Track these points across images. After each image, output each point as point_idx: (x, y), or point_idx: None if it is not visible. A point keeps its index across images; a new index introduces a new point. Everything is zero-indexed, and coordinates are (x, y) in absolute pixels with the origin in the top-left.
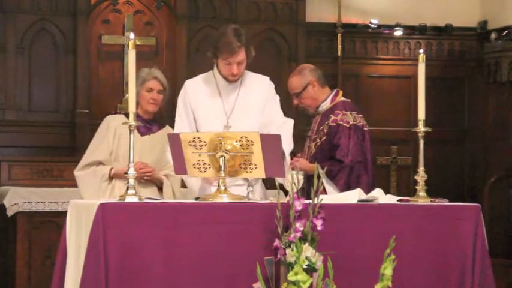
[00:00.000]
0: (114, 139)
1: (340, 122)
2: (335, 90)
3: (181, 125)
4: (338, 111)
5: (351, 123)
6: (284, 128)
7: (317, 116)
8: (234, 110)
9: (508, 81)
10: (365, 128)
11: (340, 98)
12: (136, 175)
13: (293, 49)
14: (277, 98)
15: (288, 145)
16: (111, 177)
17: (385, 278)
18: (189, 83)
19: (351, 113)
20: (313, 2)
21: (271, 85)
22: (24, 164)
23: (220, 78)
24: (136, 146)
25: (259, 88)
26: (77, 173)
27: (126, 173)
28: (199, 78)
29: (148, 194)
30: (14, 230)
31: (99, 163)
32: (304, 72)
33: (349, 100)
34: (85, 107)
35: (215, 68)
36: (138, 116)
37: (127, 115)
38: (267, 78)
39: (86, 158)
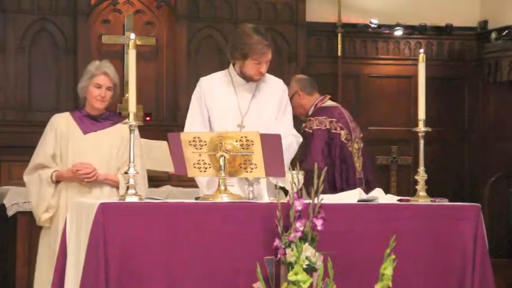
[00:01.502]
0: (57, 140)
1: (306, 129)
2: (322, 97)
3: (192, 125)
4: (308, 118)
5: (313, 128)
6: (288, 140)
7: None
8: (249, 109)
9: (508, 81)
10: (334, 131)
11: (325, 103)
12: (72, 176)
13: (293, 49)
14: (289, 108)
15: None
16: (56, 181)
17: (385, 278)
18: (204, 81)
19: (316, 118)
20: (313, 2)
21: (285, 90)
22: (24, 164)
23: (237, 77)
24: (76, 146)
25: (273, 90)
26: (25, 178)
27: (126, 172)
28: (214, 76)
29: (93, 197)
30: (14, 230)
31: (44, 166)
32: (291, 83)
33: (333, 105)
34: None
35: (231, 67)
36: (82, 112)
37: (72, 112)
38: (281, 81)
39: (32, 162)
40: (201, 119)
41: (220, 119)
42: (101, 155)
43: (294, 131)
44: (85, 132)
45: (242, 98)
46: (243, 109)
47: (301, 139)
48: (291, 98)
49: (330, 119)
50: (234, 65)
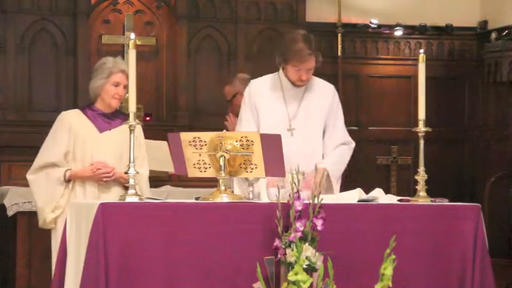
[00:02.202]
0: (70, 138)
1: None
2: None
3: (248, 125)
4: None
5: None
6: (338, 150)
7: None
8: (298, 114)
9: (508, 81)
10: None
11: None
12: (91, 175)
13: None
14: (341, 112)
15: (337, 169)
16: (67, 180)
17: (385, 278)
18: (254, 83)
19: None
20: (313, 2)
21: (336, 94)
22: (24, 164)
23: (286, 81)
24: (94, 144)
25: (323, 95)
26: (29, 176)
27: (126, 172)
28: (264, 79)
29: (111, 198)
30: (14, 230)
31: (54, 165)
32: (234, 82)
33: None
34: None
35: (281, 70)
36: (95, 110)
37: (83, 109)
38: (332, 86)
39: (39, 160)
40: (253, 120)
41: (268, 122)
42: (116, 153)
43: (347, 138)
44: (101, 130)
45: (290, 102)
46: (291, 113)
47: (353, 145)
48: (233, 97)
49: None
50: (283, 69)
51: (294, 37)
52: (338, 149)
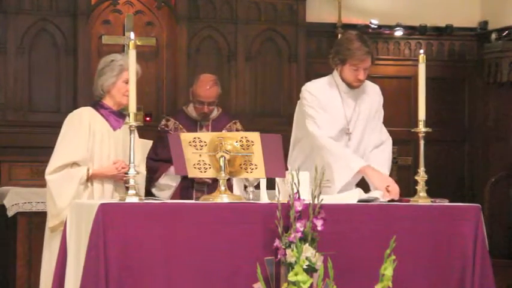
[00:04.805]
0: (90, 135)
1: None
2: None
3: (331, 126)
4: (234, 120)
5: (239, 129)
6: (383, 150)
7: (205, 122)
8: (353, 116)
9: (508, 81)
10: None
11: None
12: (116, 174)
13: (293, 49)
14: (382, 113)
15: (386, 168)
16: (87, 179)
17: (385, 278)
18: (312, 86)
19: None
20: (314, 2)
21: (381, 95)
22: (24, 164)
23: (342, 84)
24: (112, 143)
25: (373, 96)
26: (49, 176)
27: (126, 173)
28: (320, 82)
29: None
30: (14, 231)
31: (74, 164)
32: (218, 83)
33: None
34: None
35: (335, 73)
36: (106, 108)
37: (94, 107)
38: (377, 86)
39: (60, 159)
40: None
41: (329, 124)
42: (126, 152)
43: (385, 134)
44: (114, 128)
45: (347, 105)
46: (348, 115)
47: (391, 140)
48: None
49: None
50: (337, 70)
51: (349, 38)
52: (382, 151)
